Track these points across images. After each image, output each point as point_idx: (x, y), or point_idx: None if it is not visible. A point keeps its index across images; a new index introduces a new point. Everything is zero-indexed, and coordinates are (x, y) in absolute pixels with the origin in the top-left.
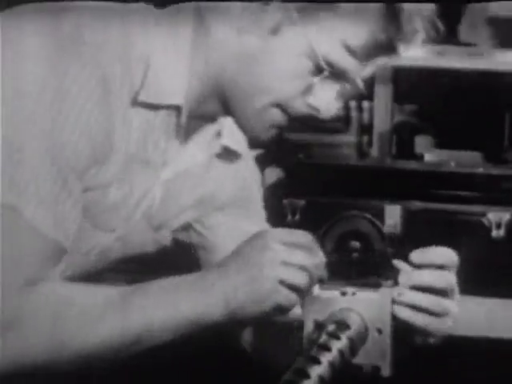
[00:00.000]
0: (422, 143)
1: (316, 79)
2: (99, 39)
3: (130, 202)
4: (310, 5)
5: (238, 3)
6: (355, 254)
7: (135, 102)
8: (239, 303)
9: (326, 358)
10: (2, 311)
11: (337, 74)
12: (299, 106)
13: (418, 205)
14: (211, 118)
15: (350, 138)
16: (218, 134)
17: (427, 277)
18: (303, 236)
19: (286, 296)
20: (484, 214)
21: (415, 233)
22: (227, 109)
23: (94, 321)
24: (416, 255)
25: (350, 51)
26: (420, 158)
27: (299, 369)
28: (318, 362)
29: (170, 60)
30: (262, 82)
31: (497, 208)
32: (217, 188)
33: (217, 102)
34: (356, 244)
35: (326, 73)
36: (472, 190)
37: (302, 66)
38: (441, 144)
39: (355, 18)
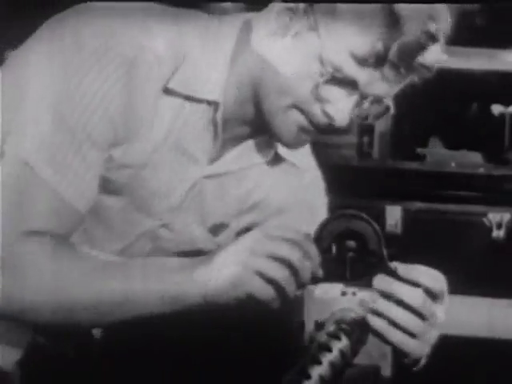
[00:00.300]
0: (423, 143)
1: (323, 80)
2: (128, 29)
3: (175, 192)
4: (328, 12)
5: (275, 9)
6: (350, 254)
7: (166, 90)
8: (215, 287)
9: (326, 358)
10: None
11: (348, 83)
12: (316, 112)
13: (418, 205)
14: (251, 123)
15: (350, 138)
16: (270, 143)
17: (405, 291)
18: (294, 232)
19: (260, 287)
20: (485, 215)
21: (416, 233)
22: (260, 112)
23: (86, 281)
24: (404, 270)
25: (357, 60)
26: (421, 158)
27: (300, 369)
28: (319, 362)
29: (210, 58)
30: (281, 81)
31: (497, 208)
32: (271, 194)
33: (252, 104)
34: (351, 243)
35: (329, 76)
36: (473, 190)
37: (314, 70)
38: (442, 144)
39: (361, 28)
